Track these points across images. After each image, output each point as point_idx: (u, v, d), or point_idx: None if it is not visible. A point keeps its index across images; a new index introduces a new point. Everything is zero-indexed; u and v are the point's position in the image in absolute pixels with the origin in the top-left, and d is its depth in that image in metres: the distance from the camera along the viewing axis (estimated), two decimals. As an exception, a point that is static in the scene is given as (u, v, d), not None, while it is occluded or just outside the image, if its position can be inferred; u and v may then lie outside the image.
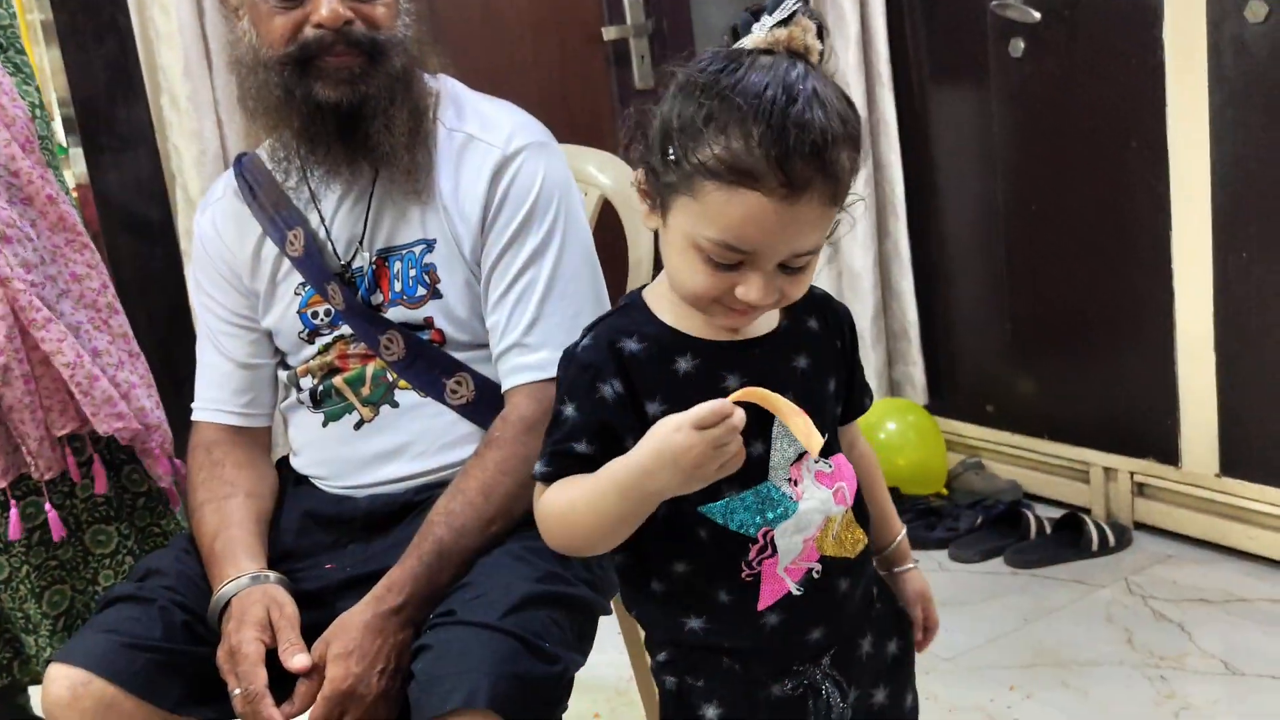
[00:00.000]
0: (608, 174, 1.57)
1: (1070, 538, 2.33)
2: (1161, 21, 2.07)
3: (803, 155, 0.86)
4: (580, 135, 1.72)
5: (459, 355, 1.32)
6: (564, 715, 1.15)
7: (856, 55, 2.65)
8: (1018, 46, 2.30)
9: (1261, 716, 1.75)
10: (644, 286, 1.03)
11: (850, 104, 0.91)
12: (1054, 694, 1.85)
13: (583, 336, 1.00)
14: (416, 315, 1.32)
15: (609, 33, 2.56)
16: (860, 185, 2.70)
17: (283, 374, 1.41)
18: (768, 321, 1.01)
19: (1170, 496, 2.30)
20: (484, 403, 1.31)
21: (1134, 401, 2.29)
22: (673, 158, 0.90)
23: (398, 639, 1.15)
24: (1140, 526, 2.38)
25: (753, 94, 0.86)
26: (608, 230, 1.53)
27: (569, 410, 0.98)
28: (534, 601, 1.14)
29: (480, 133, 1.31)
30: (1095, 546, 2.30)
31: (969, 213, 2.60)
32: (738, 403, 0.88)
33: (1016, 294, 2.53)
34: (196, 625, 1.22)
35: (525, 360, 1.27)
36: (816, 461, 1.00)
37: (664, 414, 0.93)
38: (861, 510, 1.06)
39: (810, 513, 0.99)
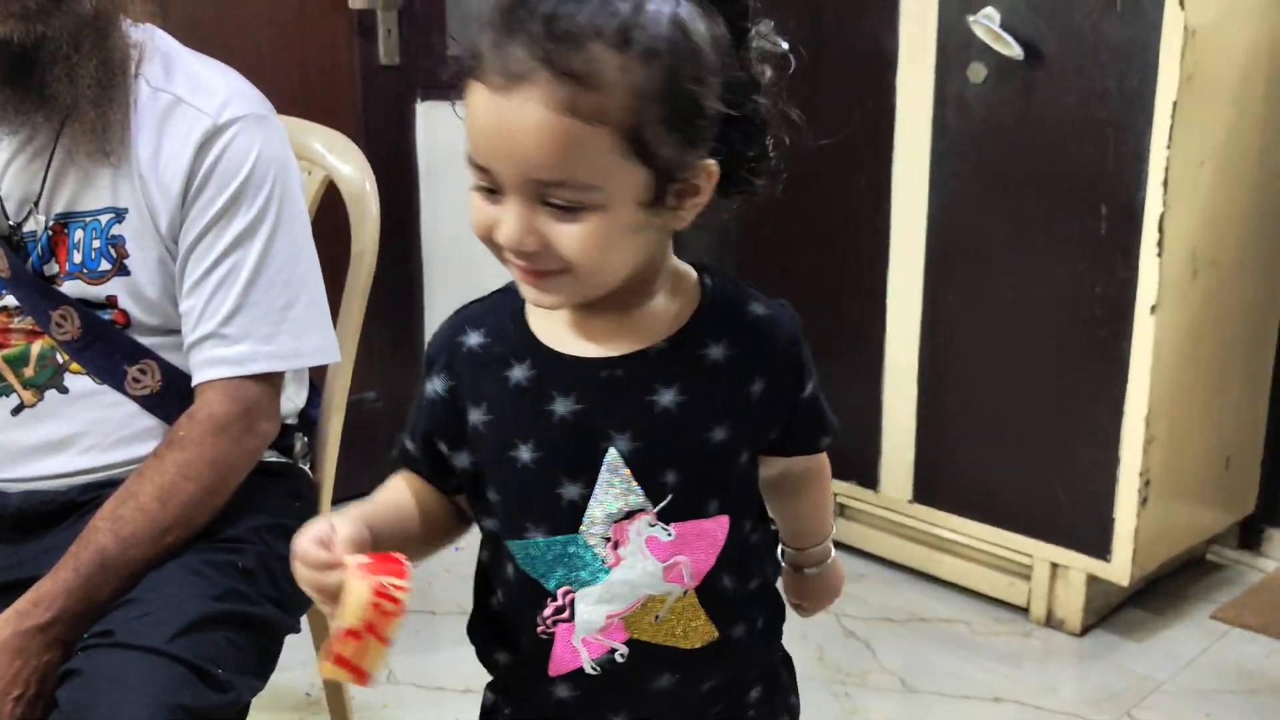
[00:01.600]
0: (336, 154, 1.46)
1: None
2: (896, 68, 2.17)
3: (523, 36, 0.70)
4: (315, 108, 1.61)
5: (145, 340, 1.19)
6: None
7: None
8: (763, 74, 2.35)
9: (931, 732, 1.87)
10: None
11: (670, 19, 0.74)
12: (747, 709, 1.90)
13: (452, 314, 0.88)
14: (98, 292, 1.17)
15: (356, 1, 2.42)
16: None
17: (-72, 344, 1.23)
18: (643, 334, 0.82)
19: (868, 519, 2.42)
20: (172, 395, 1.18)
21: (843, 426, 2.40)
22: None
23: (41, 661, 1.01)
24: (839, 545, 2.49)
25: None
26: (330, 217, 1.43)
27: (418, 400, 0.88)
28: (210, 622, 1.03)
29: (190, 96, 1.18)
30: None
31: (700, 232, 2.63)
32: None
33: (744, 313, 2.59)
34: None
35: (222, 353, 1.16)
36: (653, 525, 0.82)
37: (486, 425, 0.83)
38: (720, 596, 0.86)
39: (623, 584, 0.82)
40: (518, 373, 0.83)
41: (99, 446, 1.18)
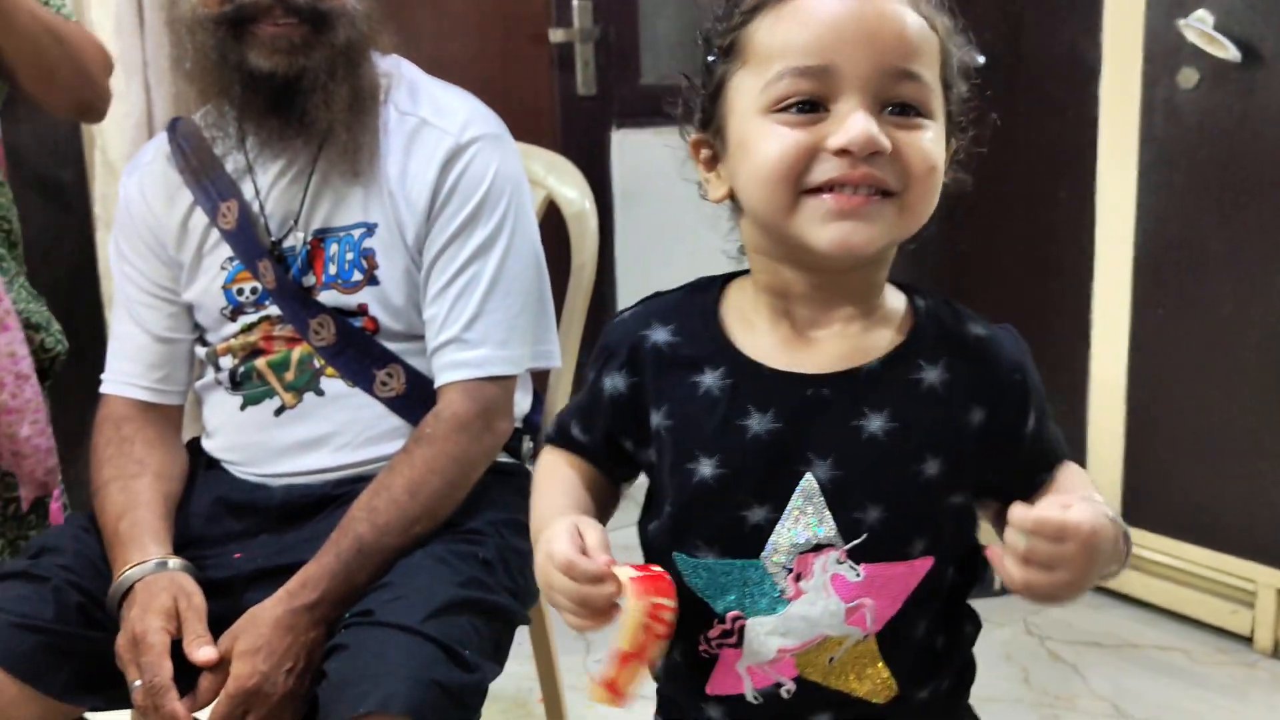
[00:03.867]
0: (556, 175, 1.54)
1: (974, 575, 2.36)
2: (1099, 78, 2.12)
3: None
4: (518, 137, 1.69)
5: (392, 346, 1.28)
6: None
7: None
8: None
9: (1148, 760, 1.80)
10: (737, 273, 0.82)
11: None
12: (952, 729, 1.87)
13: (636, 304, 0.82)
14: (350, 301, 1.27)
15: (555, 35, 2.53)
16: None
17: (201, 351, 1.35)
18: (852, 353, 0.76)
19: (1071, 541, 2.35)
20: (415, 397, 1.27)
21: (1044, 445, 2.34)
22: (715, 41, 0.76)
23: (309, 637, 1.10)
24: (1040, 568, 2.42)
25: None
26: (551, 233, 1.50)
27: (587, 386, 0.84)
28: (456, 607, 1.10)
29: (434, 118, 1.27)
30: (998, 586, 2.33)
31: (898, 250, 2.63)
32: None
33: (937, 331, 2.57)
34: (92, 608, 1.15)
35: (463, 356, 1.23)
36: (841, 562, 0.75)
37: (667, 430, 0.77)
38: (906, 647, 0.79)
39: (801, 620, 0.76)
40: (709, 379, 0.77)
41: (351, 445, 1.27)
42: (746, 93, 0.73)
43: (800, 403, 0.75)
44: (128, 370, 1.33)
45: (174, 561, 1.17)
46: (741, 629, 0.77)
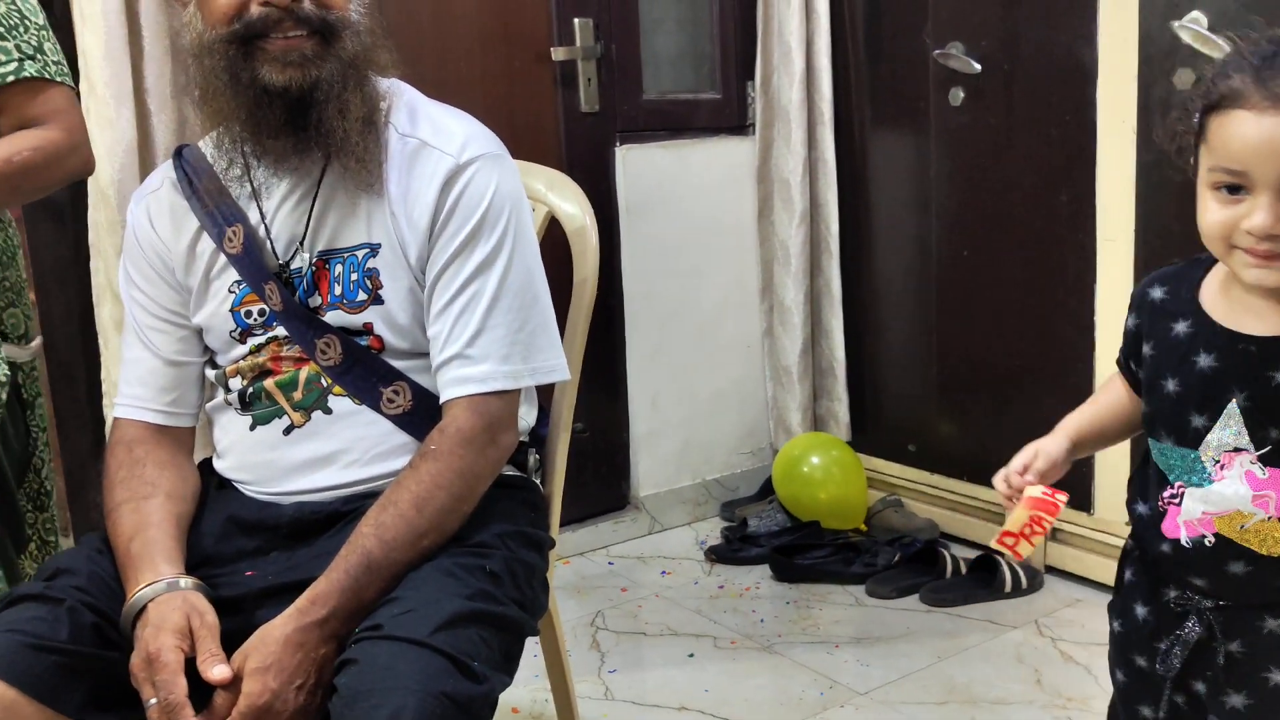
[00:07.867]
0: (557, 192, 1.56)
1: (984, 578, 2.37)
2: (1096, 81, 2.14)
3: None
4: (523, 154, 1.71)
5: (397, 364, 1.30)
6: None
7: (800, 93, 2.69)
8: (957, 96, 2.36)
9: (1163, 761, 1.79)
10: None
11: None
12: (965, 732, 1.87)
13: (1153, 273, 1.18)
14: (356, 320, 1.29)
15: (558, 53, 2.56)
16: (793, 227, 2.75)
17: (211, 373, 1.37)
18: (1278, 327, 1.07)
19: (1082, 542, 2.35)
20: (421, 413, 1.29)
21: (1052, 448, 2.35)
22: (1194, 114, 1.04)
23: (319, 653, 1.11)
24: (1052, 570, 2.43)
25: (1256, 42, 1.01)
26: (553, 249, 1.52)
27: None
28: (464, 619, 1.11)
29: (433, 139, 1.29)
30: (1008, 588, 2.34)
31: (901, 255, 2.64)
32: None
33: (943, 337, 2.58)
34: (106, 628, 1.17)
35: (467, 372, 1.25)
36: (1253, 463, 1.08)
37: (1150, 358, 1.13)
38: None
39: (1220, 496, 1.09)
40: (1180, 327, 1.12)
41: (359, 462, 1.29)
42: (1201, 163, 1.05)
43: (1234, 352, 1.08)
44: (139, 394, 1.35)
45: (186, 580, 1.19)
46: (1182, 494, 1.11)
